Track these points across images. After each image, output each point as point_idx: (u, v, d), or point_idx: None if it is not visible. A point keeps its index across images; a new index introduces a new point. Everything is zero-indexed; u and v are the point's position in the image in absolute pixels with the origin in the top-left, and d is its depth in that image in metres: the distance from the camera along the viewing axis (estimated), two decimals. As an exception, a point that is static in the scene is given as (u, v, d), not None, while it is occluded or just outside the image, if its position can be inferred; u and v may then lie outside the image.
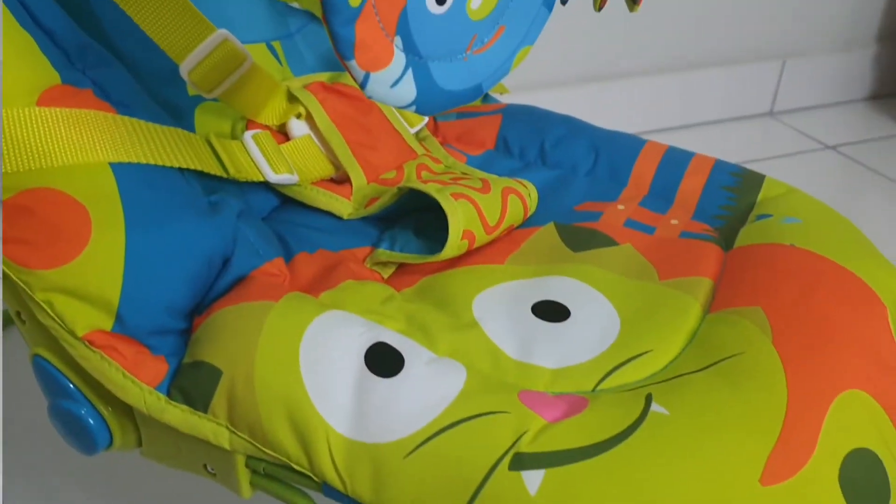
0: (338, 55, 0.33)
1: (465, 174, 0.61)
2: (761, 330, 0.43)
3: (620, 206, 0.58)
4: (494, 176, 0.60)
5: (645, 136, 1.32)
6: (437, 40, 0.36)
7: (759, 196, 0.59)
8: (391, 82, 0.35)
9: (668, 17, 1.29)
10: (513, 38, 0.38)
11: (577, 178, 0.62)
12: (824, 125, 1.43)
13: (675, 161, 0.63)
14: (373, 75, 0.34)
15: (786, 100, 1.45)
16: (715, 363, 0.42)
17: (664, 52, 1.32)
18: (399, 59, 0.35)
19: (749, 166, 1.27)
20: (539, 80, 1.20)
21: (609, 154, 0.64)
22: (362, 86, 0.34)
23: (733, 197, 0.59)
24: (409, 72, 0.35)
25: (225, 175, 0.49)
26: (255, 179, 0.51)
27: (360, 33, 0.33)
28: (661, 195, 0.60)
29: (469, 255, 0.52)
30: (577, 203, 0.60)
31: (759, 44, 1.39)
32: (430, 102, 0.36)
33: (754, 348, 0.42)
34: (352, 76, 0.34)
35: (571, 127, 0.66)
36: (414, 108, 0.36)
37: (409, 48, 0.35)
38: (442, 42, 0.36)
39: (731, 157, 1.29)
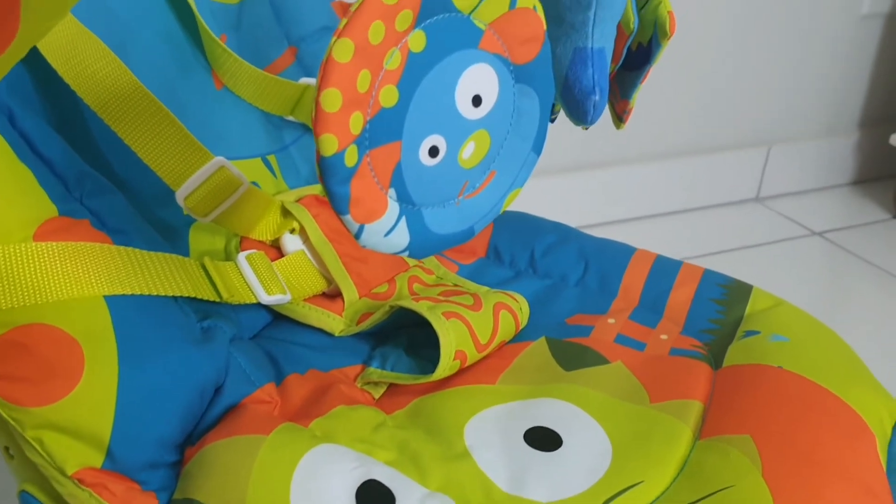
0: (333, 210, 0.34)
1: (457, 286, 0.61)
2: (751, 461, 0.43)
3: (611, 320, 0.59)
4: (486, 288, 0.61)
5: (633, 224, 1.35)
6: (430, 189, 0.37)
7: (747, 309, 0.60)
8: (385, 231, 0.35)
9: (655, 107, 1.32)
10: (503, 183, 0.39)
11: (568, 289, 0.63)
12: (810, 210, 1.45)
13: (664, 272, 0.63)
14: (367, 227, 0.35)
15: (772, 185, 1.47)
16: (706, 496, 0.42)
17: (651, 141, 1.34)
18: (393, 209, 0.35)
19: (737, 253, 1.30)
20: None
21: (599, 264, 0.64)
22: (356, 236, 0.35)
23: (721, 310, 0.60)
24: (403, 220, 0.36)
25: (219, 300, 0.50)
26: (248, 302, 0.51)
27: (356, 190, 0.34)
28: (651, 307, 0.61)
29: (461, 374, 0.52)
30: (567, 315, 0.60)
31: (744, 131, 1.42)
32: (422, 247, 0.37)
33: (744, 481, 0.42)
34: (346, 228, 0.35)
35: (561, 235, 0.67)
36: (407, 252, 0.37)
37: (403, 198, 0.36)
38: (434, 190, 0.37)
39: (720, 244, 1.31)
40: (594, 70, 0.44)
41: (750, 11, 1.33)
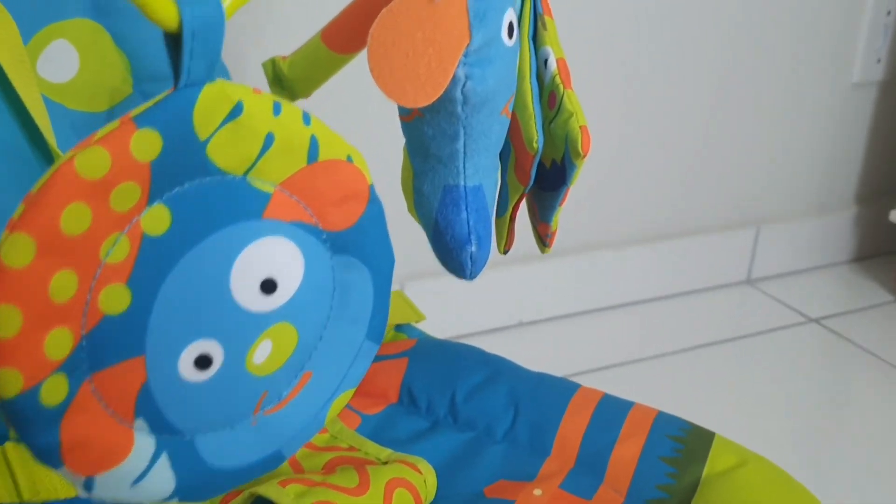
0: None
1: (353, 448, 0.51)
2: None
3: (537, 491, 0.48)
4: (388, 452, 0.51)
5: (613, 312, 1.25)
6: (205, 410, 0.26)
7: (705, 470, 0.49)
8: (134, 478, 0.25)
9: (632, 187, 1.23)
10: (325, 386, 0.29)
11: (493, 445, 0.52)
12: (806, 293, 1.34)
13: (609, 418, 0.53)
14: (100, 478, 0.25)
15: (764, 266, 1.37)
16: None
17: (630, 223, 1.25)
18: (144, 445, 0.25)
19: (727, 345, 1.19)
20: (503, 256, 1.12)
21: (532, 410, 0.54)
22: (86, 490, 0.25)
23: (674, 473, 0.49)
24: (164, 457, 0.26)
25: (17, 500, 0.39)
26: (61, 498, 0.41)
27: (72, 431, 0.23)
28: (590, 468, 0.50)
29: (339, 578, 0.42)
30: (487, 482, 0.50)
31: (732, 209, 1.32)
32: (199, 488, 0.27)
33: None
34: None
35: (490, 372, 0.57)
36: (175, 499, 0.27)
37: (160, 427, 0.26)
38: (213, 411, 0.27)
39: (709, 334, 1.20)
40: (469, 213, 0.35)
41: (734, 82, 1.24)
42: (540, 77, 0.43)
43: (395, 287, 1.04)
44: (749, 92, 1.26)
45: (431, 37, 0.30)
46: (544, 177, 0.44)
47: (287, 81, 0.62)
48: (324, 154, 0.26)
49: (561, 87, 0.43)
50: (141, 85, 0.60)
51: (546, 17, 0.44)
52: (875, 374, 1.15)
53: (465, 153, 0.34)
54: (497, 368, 0.57)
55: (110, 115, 0.58)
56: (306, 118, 0.26)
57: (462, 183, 0.34)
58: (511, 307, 1.19)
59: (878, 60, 1.35)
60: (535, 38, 0.43)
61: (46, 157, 0.52)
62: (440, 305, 1.04)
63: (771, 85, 1.28)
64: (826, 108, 1.34)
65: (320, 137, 0.26)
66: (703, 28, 1.19)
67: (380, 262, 0.29)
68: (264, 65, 0.65)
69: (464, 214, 0.34)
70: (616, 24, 1.12)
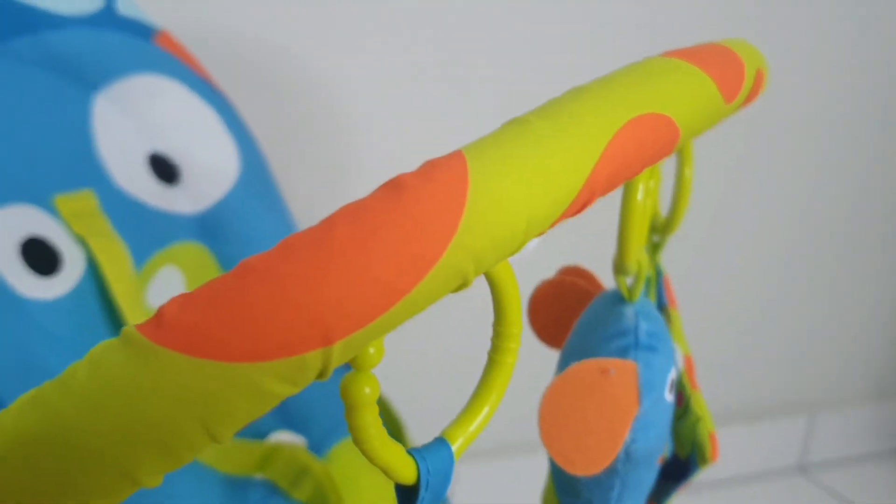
0: None
1: None
2: None
3: None
4: None
5: None
6: None
7: None
8: None
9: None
10: None
11: None
12: (861, 484, 1.30)
13: None
14: None
15: (817, 452, 1.34)
16: None
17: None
18: None
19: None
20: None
21: None
22: None
23: None
24: None
25: None
26: None
27: None
28: None
29: None
30: None
31: (786, 395, 1.30)
32: None
33: None
34: None
35: None
36: None
37: None
38: None
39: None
40: (618, 562, 0.34)
41: (789, 264, 1.24)
42: (665, 371, 0.43)
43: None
44: (804, 274, 1.26)
45: (602, 408, 0.30)
46: (667, 467, 0.43)
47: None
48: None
49: (688, 387, 0.42)
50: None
51: (672, 310, 0.44)
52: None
53: (617, 500, 0.33)
54: None
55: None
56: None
57: (612, 530, 0.34)
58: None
59: (936, 251, 1.35)
60: (661, 331, 0.43)
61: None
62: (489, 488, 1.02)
63: (827, 268, 1.27)
64: (882, 292, 1.34)
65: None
66: (761, 211, 1.20)
67: None
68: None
69: (612, 562, 0.33)
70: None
